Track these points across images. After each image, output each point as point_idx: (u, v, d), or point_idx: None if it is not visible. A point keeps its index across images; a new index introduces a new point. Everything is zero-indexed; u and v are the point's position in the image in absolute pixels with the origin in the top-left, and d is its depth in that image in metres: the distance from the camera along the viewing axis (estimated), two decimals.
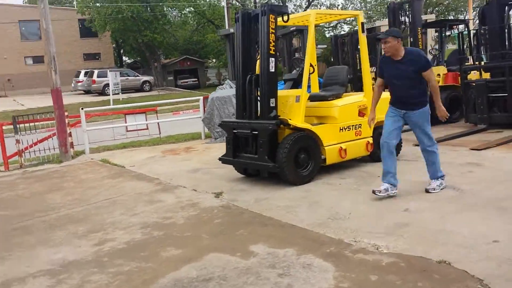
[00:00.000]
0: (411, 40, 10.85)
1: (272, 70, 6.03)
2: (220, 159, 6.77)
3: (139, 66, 45.81)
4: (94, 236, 4.81)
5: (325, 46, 33.73)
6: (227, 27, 28.26)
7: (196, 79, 40.81)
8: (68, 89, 37.18)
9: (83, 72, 35.58)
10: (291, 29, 14.07)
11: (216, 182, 6.75)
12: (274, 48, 6.02)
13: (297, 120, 6.13)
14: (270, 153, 6.00)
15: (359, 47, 12.04)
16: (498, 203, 4.67)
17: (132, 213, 5.48)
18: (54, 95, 10.34)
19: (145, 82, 35.33)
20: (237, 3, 37.76)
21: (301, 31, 13.58)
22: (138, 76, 36.03)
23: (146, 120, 12.67)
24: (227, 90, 12.32)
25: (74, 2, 43.27)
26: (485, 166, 6.26)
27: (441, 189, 5.30)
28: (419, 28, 10.57)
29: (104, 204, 6.07)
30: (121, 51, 47.65)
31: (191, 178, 7.19)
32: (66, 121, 10.95)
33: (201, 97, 12.83)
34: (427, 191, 5.28)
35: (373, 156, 7.03)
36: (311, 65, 6.54)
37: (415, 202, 4.98)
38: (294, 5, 38.20)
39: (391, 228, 4.26)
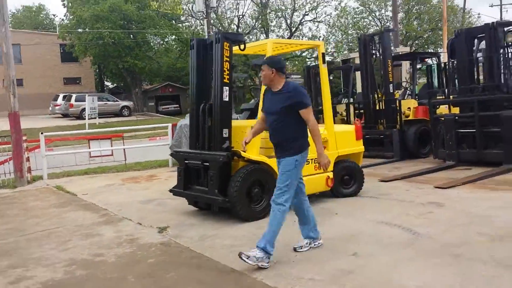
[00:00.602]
0: (382, 72, 10.73)
1: (226, 99, 5.73)
2: (171, 190, 6.38)
3: (121, 91, 45.45)
4: (13, 272, 4.36)
5: (299, 76, 33.85)
6: None
7: (177, 105, 40.57)
8: (46, 112, 36.69)
9: (61, 95, 35.10)
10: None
11: (166, 215, 6.34)
12: (228, 77, 5.74)
13: (252, 151, 5.80)
14: (221, 186, 5.63)
15: (330, 77, 12.10)
16: (454, 249, 4.33)
17: (63, 248, 5.02)
18: (12, 119, 9.90)
19: (124, 107, 34.94)
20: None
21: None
22: (117, 101, 35.65)
23: (112, 146, 12.30)
24: None
25: (57, 28, 43.15)
26: (447, 207, 5.96)
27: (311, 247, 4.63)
28: (389, 61, 10.45)
29: (38, 236, 5.61)
30: (102, 76, 47.31)
31: (141, 209, 6.77)
32: (25, 146, 10.52)
33: (170, 124, 12.50)
34: (294, 249, 4.59)
35: (335, 191, 6.73)
36: None
37: (366, 245, 4.62)
38: (277, 35, 38.41)
39: (335, 275, 3.88)
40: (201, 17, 30.52)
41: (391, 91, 10.62)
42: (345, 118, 11.98)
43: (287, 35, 36.80)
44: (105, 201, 7.50)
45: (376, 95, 10.95)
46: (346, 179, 6.87)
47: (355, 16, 35.22)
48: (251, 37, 38.80)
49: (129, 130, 15.05)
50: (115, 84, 50.05)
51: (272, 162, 5.91)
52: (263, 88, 4.92)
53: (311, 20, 36.27)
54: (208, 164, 5.71)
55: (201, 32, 37.75)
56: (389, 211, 5.94)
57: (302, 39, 37.23)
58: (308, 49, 8.18)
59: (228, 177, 5.68)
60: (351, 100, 12.61)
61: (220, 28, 36.84)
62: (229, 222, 5.68)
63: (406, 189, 7.25)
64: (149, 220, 6.05)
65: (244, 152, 5.52)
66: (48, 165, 11.66)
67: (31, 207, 7.49)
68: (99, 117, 29.40)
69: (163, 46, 39.41)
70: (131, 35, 34.05)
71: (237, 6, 36.57)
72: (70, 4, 35.97)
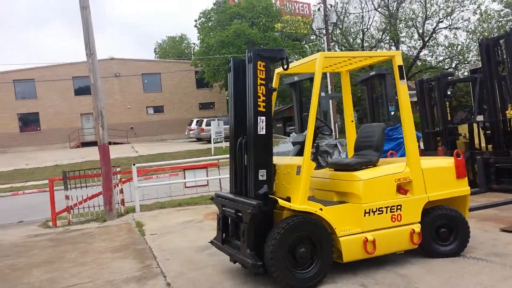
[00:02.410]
0: (510, 84, 8.47)
1: (262, 132, 4.54)
2: (211, 242, 5.34)
3: None
4: None
5: (340, 95, 30.08)
6: (327, 73, 26.98)
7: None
8: (184, 137, 38.76)
9: (195, 120, 36.65)
10: (371, 74, 12.33)
11: (210, 271, 5.30)
12: (264, 104, 4.55)
13: (297, 198, 4.49)
14: (256, 244, 4.43)
15: (448, 92, 10.04)
16: None
17: None
18: (101, 151, 9.85)
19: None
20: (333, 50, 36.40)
21: (383, 76, 11.78)
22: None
23: (207, 176, 11.77)
24: (287, 145, 10.92)
25: (192, 56, 45.63)
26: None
27: None
28: None
29: None
30: None
31: (189, 261, 5.86)
32: (118, 177, 10.45)
33: None
34: None
35: (427, 249, 5.05)
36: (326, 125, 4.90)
37: None
38: (408, 46, 35.52)
39: None
40: (321, 35, 29.35)
41: None
42: (469, 141, 9.80)
43: (419, 45, 33.83)
44: (164, 246, 6.82)
45: (506, 113, 8.70)
46: (443, 233, 5.13)
47: (499, 19, 30.85)
48: (379, 50, 36.55)
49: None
50: None
51: (327, 212, 4.54)
52: None
53: (446, 27, 32.78)
54: (240, 214, 4.56)
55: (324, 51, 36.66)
56: (501, 285, 4.14)
57: (437, 49, 33.91)
58: (381, 61, 6.48)
59: (266, 232, 4.45)
60: (478, 118, 10.34)
61: (345, 44, 35.35)
62: None
63: None
64: (183, 280, 5.06)
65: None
66: (145, 195, 11.60)
67: (91, 249, 7.11)
68: (226, 141, 29.85)
69: None
70: None
71: (362, 19, 34.42)
72: (201, 32, 37.65)
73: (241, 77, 4.92)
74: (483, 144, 9.56)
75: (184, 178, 11.50)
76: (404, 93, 5.08)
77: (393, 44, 36.48)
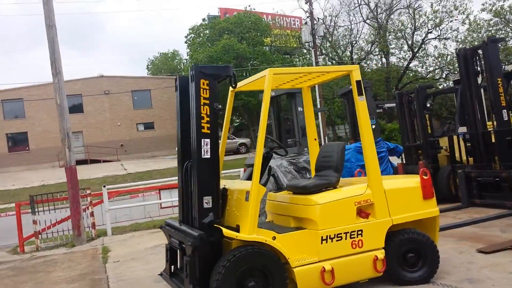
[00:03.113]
0: (490, 95, 8.17)
1: (207, 156, 4.20)
2: (160, 274, 4.96)
3: (244, 128, 45.92)
4: None
5: (326, 109, 30.12)
6: (316, 86, 26.74)
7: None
8: (175, 153, 38.31)
9: None
10: (350, 87, 12.01)
11: None
12: (209, 125, 4.20)
13: (246, 227, 4.12)
14: (203, 278, 4.05)
15: (428, 105, 9.73)
16: None
17: None
18: (68, 174, 9.47)
19: (241, 144, 34.91)
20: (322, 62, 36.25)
21: (364, 89, 11.45)
22: (234, 138, 35.77)
23: None
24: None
25: (183, 72, 45.41)
26: None
27: None
28: (499, 80, 7.88)
29: None
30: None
31: None
32: (89, 200, 10.06)
33: (242, 169, 11.23)
34: None
35: (392, 276, 4.67)
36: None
37: None
38: (397, 57, 35.42)
39: None
40: (308, 48, 29.21)
41: (505, 119, 7.97)
42: (449, 154, 9.47)
43: (409, 56, 33.71)
44: (124, 275, 6.42)
45: (486, 125, 8.39)
46: (411, 258, 4.74)
47: (488, 29, 30.77)
48: (368, 62, 36.47)
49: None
50: (242, 121, 50.88)
51: (279, 241, 4.17)
52: None
53: (436, 37, 32.70)
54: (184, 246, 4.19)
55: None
56: None
57: (427, 59, 33.80)
58: (340, 76, 6.05)
59: (214, 264, 4.07)
60: (460, 130, 10.02)
61: (335, 57, 35.23)
62: None
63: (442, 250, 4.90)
64: None
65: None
66: (124, 215, 11.21)
67: (48, 280, 6.73)
68: None
69: None
70: (245, 73, 34.05)
71: (351, 31, 34.30)
72: (190, 48, 37.54)
73: (188, 97, 4.58)
74: (464, 157, 9.24)
75: (160, 199, 11.12)
76: (363, 110, 4.75)
77: (382, 55, 36.40)
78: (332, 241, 4.37)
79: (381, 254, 4.53)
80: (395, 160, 11.88)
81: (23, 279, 6.90)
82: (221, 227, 4.07)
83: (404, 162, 10.64)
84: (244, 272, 4.04)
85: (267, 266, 4.09)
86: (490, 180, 8.33)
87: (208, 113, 4.18)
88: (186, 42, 39.46)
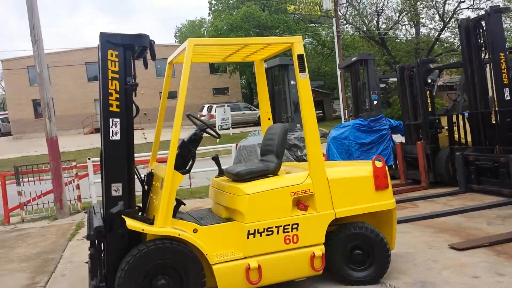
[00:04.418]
0: (492, 71, 7.36)
1: (115, 137, 3.74)
2: (87, 262, 4.60)
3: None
4: None
5: (322, 83, 28.71)
6: (337, 58, 25.76)
7: (321, 111, 38.61)
8: None
9: (206, 106, 36.01)
10: (353, 59, 11.26)
11: None
12: (118, 103, 3.73)
13: (158, 218, 3.69)
14: (110, 273, 3.67)
15: (429, 81, 8.95)
16: None
17: None
18: (49, 145, 9.22)
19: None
20: (350, 31, 34.87)
21: (366, 62, 10.71)
22: (255, 110, 35.21)
23: None
24: (257, 138, 10.06)
25: None
26: None
27: None
28: (502, 54, 7.06)
29: None
30: (251, 85, 47.85)
31: (83, 278, 5.14)
32: (74, 172, 9.85)
33: (234, 145, 10.77)
34: None
35: (338, 276, 4.20)
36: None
37: None
38: (428, 28, 33.60)
39: None
40: (330, 16, 28.00)
41: (507, 98, 7.17)
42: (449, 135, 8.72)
43: (440, 27, 31.98)
44: (77, 256, 6.16)
45: (488, 104, 7.62)
46: (357, 256, 4.24)
47: None
48: (397, 32, 34.90)
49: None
50: None
51: (201, 234, 3.74)
52: None
53: (468, 7, 30.81)
54: None
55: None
56: None
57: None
58: (282, 50, 5.32)
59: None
60: (465, 109, 9.23)
61: (362, 26, 33.81)
62: None
63: (478, 274, 4.28)
64: None
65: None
66: None
67: (7, 256, 6.58)
68: (236, 127, 29.19)
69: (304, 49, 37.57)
70: None
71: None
72: (212, 16, 36.77)
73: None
74: (469, 139, 8.48)
75: None
76: (304, 88, 4.16)
77: (412, 25, 34.71)
78: (260, 236, 3.90)
79: (319, 250, 4.03)
80: (399, 139, 11.14)
81: None
82: (129, 218, 3.65)
83: (403, 142, 9.92)
84: (154, 269, 3.63)
85: (180, 263, 3.67)
86: (488, 165, 7.61)
87: (117, 89, 3.71)
88: (210, 9, 38.65)
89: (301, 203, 4.08)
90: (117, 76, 3.70)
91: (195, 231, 3.86)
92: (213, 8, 37.24)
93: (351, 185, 4.23)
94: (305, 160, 9.81)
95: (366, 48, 33.83)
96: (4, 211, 9.39)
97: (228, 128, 28.25)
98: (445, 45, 34.53)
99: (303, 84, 4.14)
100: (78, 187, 9.89)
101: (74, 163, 10.00)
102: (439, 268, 4.54)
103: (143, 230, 3.61)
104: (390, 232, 4.50)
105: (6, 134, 40.76)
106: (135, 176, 4.23)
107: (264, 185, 4.03)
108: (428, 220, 6.43)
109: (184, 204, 4.27)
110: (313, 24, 37.83)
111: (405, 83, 9.53)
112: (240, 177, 4.14)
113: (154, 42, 3.99)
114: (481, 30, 7.64)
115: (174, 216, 4.04)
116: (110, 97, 3.70)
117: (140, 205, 4.31)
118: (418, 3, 32.70)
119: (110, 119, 3.71)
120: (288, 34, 32.75)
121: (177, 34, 64.05)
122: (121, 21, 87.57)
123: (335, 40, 25.58)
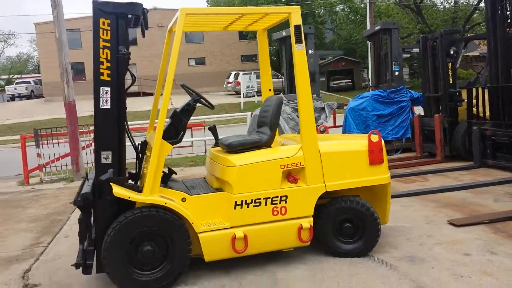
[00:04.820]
0: None
1: (106, 106, 3.79)
2: None
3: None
4: None
5: (341, 52, 27.57)
6: (368, 26, 25.03)
7: (350, 80, 37.95)
8: (222, 90, 38.30)
9: (233, 73, 35.89)
10: (376, 28, 10.95)
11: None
12: (110, 72, 3.76)
13: (145, 187, 3.76)
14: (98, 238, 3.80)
15: (451, 52, 8.63)
16: None
17: None
18: (67, 109, 9.45)
19: None
20: None
21: (389, 31, 10.41)
22: (282, 78, 34.83)
23: (192, 137, 11.21)
24: None
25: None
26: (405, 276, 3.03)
27: None
28: None
29: None
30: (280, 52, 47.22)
31: None
32: (92, 136, 10.09)
33: (249, 113, 10.79)
34: None
35: (326, 247, 4.23)
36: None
37: None
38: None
39: None
40: None
41: None
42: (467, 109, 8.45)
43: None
44: None
45: (510, 78, 7.32)
46: (347, 229, 4.24)
47: None
48: (435, 0, 33.49)
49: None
50: None
51: (189, 204, 3.82)
52: None
53: None
54: None
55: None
56: None
57: None
58: (280, 20, 5.15)
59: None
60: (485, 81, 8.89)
61: None
62: None
63: (470, 251, 4.23)
64: (46, 269, 4.56)
65: None
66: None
67: (19, 215, 6.86)
68: (259, 95, 29.04)
69: (338, 15, 36.54)
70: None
71: None
72: None
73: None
74: (488, 114, 8.22)
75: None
76: (300, 59, 4.10)
77: None
78: (248, 207, 3.94)
79: (307, 222, 4.05)
80: (419, 111, 10.89)
81: (1, 213, 7.05)
82: (117, 185, 3.73)
83: (422, 114, 9.68)
84: (140, 236, 3.73)
85: (166, 231, 3.75)
86: (505, 140, 7.38)
87: (108, 58, 3.72)
88: None
89: (291, 175, 4.07)
90: (108, 45, 3.71)
91: (183, 200, 3.92)
92: None
93: (343, 159, 4.18)
94: (320, 131, 9.80)
95: (400, 16, 32.74)
96: (23, 172, 9.74)
97: (253, 96, 28.16)
98: (484, 14, 33.04)
99: (299, 55, 4.08)
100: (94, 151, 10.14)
101: (91, 128, 10.23)
102: (432, 243, 4.49)
103: (129, 197, 3.69)
104: (384, 206, 4.47)
105: (39, 96, 41.81)
106: (132, 144, 4.32)
107: (254, 157, 4.03)
108: (434, 194, 6.33)
109: (175, 173, 4.33)
110: None
111: (427, 53, 9.22)
112: (231, 148, 4.16)
113: (147, 10, 3.97)
114: (507, 1, 7.26)
115: (165, 184, 4.12)
116: (101, 66, 3.73)
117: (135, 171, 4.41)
118: None
119: (101, 88, 3.75)
120: (320, 0, 31.95)
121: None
122: None
123: (367, 6, 24.79)
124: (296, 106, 9.91)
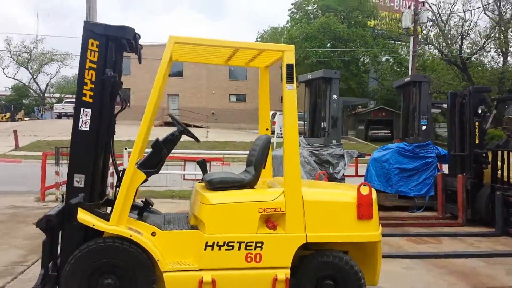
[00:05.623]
0: None
1: (84, 128, 3.71)
2: None
3: None
4: None
5: (367, 101, 26.62)
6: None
7: (389, 131, 37.30)
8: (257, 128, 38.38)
9: (271, 113, 35.76)
10: (406, 80, 10.68)
11: None
12: (92, 94, 3.70)
13: (112, 216, 3.61)
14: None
15: (479, 111, 8.23)
16: None
17: None
18: None
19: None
20: (428, 50, 33.23)
21: (419, 83, 10.12)
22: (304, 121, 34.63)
23: (210, 170, 11.09)
24: None
25: None
26: None
27: None
28: None
29: None
30: None
31: None
32: (110, 160, 10.15)
33: (273, 153, 10.58)
34: None
35: None
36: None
37: None
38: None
39: None
40: (408, 35, 26.90)
41: None
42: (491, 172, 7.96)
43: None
44: None
45: None
46: (327, 286, 3.91)
47: None
48: (481, 59, 32.85)
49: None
50: None
51: (158, 240, 3.64)
52: None
53: None
54: None
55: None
56: None
57: None
58: (277, 59, 4.94)
59: None
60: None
61: (443, 49, 32.22)
62: None
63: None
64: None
65: None
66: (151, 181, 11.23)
67: (18, 232, 6.89)
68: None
69: (381, 66, 36.33)
70: (343, 55, 32.28)
71: (463, 21, 30.94)
72: (290, 23, 36.77)
73: None
74: None
75: (184, 170, 10.92)
76: (290, 99, 3.92)
77: (499, 54, 32.59)
78: (219, 249, 3.71)
79: (283, 274, 3.76)
80: (446, 169, 10.40)
81: (2, 227, 7.07)
82: (84, 211, 3.60)
83: (446, 173, 9.22)
84: (102, 267, 3.56)
85: (130, 265, 3.57)
86: None
87: (93, 79, 3.67)
88: (288, 16, 38.72)
89: (270, 221, 3.83)
90: (94, 66, 3.67)
91: (153, 234, 3.74)
92: (292, 16, 37.26)
93: (329, 210, 3.91)
94: (337, 179, 9.46)
95: (445, 71, 32.25)
96: (41, 189, 9.86)
97: None
98: None
99: (289, 95, 3.92)
100: (112, 174, 10.17)
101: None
102: None
103: (93, 225, 3.55)
104: (374, 266, 4.12)
105: None
106: (115, 170, 4.21)
107: (231, 197, 3.83)
108: (444, 259, 5.87)
109: (152, 205, 4.16)
110: (393, 41, 36.70)
111: (455, 110, 8.85)
112: (211, 185, 3.98)
113: (139, 36, 3.92)
114: None
115: (140, 216, 3.96)
116: (84, 87, 3.68)
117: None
118: (509, 30, 30.66)
119: (82, 109, 3.69)
120: (364, 49, 31.98)
121: (258, 39, 64.77)
122: (212, 19, 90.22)
123: (410, 59, 24.54)
124: (314, 150, 9.74)
